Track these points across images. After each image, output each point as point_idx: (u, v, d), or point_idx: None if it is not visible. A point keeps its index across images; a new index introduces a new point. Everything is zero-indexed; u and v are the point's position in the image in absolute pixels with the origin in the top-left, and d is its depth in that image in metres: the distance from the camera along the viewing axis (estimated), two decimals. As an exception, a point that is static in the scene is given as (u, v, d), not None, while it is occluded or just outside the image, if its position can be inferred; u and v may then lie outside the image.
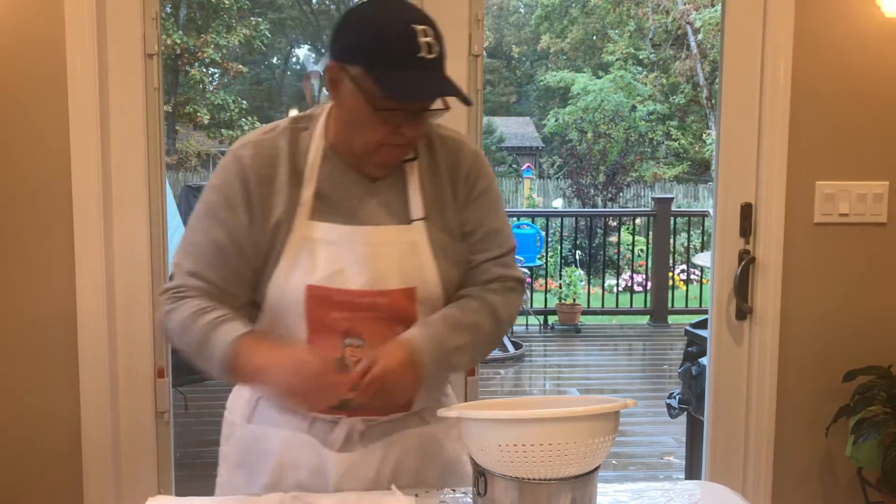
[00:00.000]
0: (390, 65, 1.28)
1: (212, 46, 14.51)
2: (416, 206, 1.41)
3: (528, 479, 1.20)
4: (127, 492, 2.43)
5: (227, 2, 14.61)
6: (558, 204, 13.42)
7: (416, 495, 1.40)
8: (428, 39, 1.28)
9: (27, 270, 2.36)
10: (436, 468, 1.50)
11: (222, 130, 15.40)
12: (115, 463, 2.42)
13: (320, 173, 1.39)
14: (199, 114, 14.89)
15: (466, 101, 1.31)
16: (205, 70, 15.14)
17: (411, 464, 1.46)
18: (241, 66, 16.48)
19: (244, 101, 16.19)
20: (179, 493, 2.46)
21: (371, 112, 1.31)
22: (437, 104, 1.35)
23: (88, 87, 2.30)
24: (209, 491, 1.55)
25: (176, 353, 2.65)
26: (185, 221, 7.28)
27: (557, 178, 15.99)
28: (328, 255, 1.36)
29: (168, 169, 2.40)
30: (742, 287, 2.49)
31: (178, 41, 13.71)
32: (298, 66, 21.78)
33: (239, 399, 1.54)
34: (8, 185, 2.34)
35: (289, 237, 1.37)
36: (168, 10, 13.83)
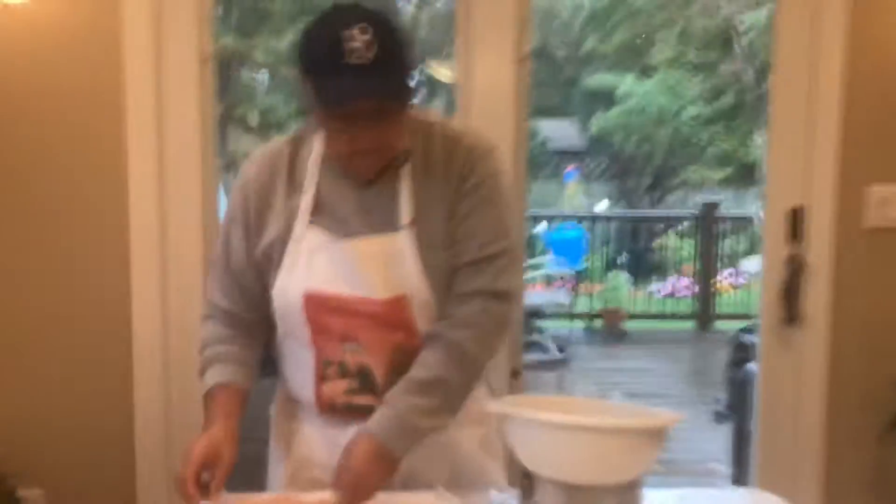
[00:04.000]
0: (318, 73, 1.29)
1: (262, 49, 14.68)
2: (406, 211, 1.40)
3: (575, 483, 1.20)
4: (178, 486, 2.48)
5: (276, 5, 14.79)
6: (603, 207, 13.31)
7: (462, 496, 1.41)
8: (356, 44, 1.24)
9: (84, 270, 2.43)
10: (448, 469, 1.50)
11: (272, 132, 15.57)
12: (167, 457, 2.47)
13: (319, 180, 1.42)
14: (249, 116, 15.08)
15: (402, 102, 1.31)
16: (255, 73, 15.33)
17: (424, 464, 1.46)
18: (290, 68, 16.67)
19: (293, 104, 16.35)
20: (228, 489, 2.50)
21: (323, 120, 1.34)
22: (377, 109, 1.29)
23: (145, 90, 2.36)
24: (257, 486, 1.59)
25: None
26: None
27: (602, 181, 15.86)
28: (323, 262, 1.39)
29: (220, 171, 2.45)
30: (791, 292, 2.46)
31: (230, 44, 13.91)
32: (344, 70, 21.94)
33: (279, 397, 1.62)
34: (66, 185, 2.40)
35: (287, 245, 1.41)
36: (220, 13, 14.03)
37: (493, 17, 2.39)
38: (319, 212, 1.41)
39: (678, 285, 9.35)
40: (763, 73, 14.90)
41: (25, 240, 2.41)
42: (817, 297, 2.46)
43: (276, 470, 1.59)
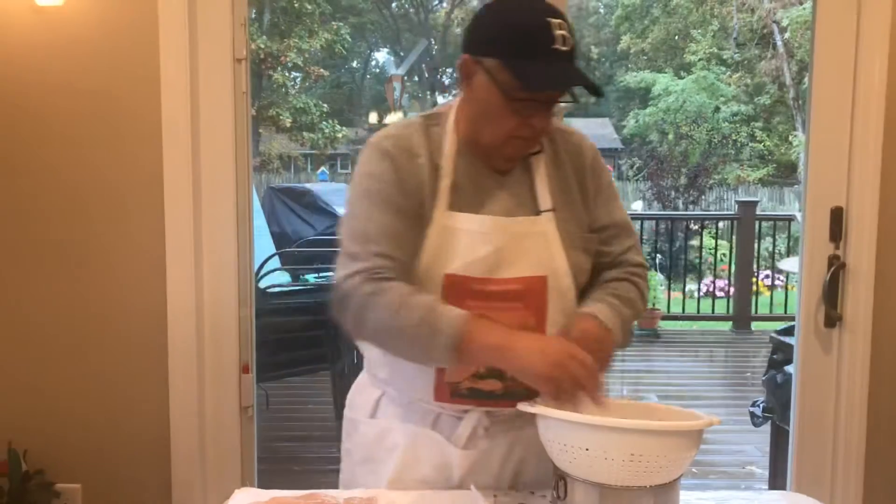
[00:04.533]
0: (527, 56, 1.31)
1: (294, 51, 14.82)
2: (544, 198, 1.45)
3: (609, 485, 1.19)
4: (212, 483, 2.51)
5: (309, 7, 14.91)
6: (638, 206, 13.20)
7: (496, 496, 1.41)
8: (562, 32, 1.32)
9: (121, 269, 2.46)
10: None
11: (304, 133, 15.70)
12: (201, 455, 2.50)
13: (455, 166, 1.43)
14: (281, 117, 15.22)
15: (597, 92, 1.35)
16: (287, 74, 15.47)
17: (534, 462, 1.46)
18: (322, 70, 16.78)
19: (325, 105, 16.47)
20: (261, 487, 2.52)
21: (503, 104, 1.35)
22: (566, 97, 1.39)
23: (180, 91, 2.38)
24: (289, 485, 1.59)
25: (261, 349, 2.73)
26: (269, 222, 7.40)
27: (637, 181, 15.74)
28: (466, 245, 1.39)
29: (252, 171, 2.47)
30: (831, 294, 2.41)
31: (262, 46, 14.05)
32: (378, 70, 22.05)
33: (360, 396, 1.58)
34: (101, 186, 2.44)
35: (430, 226, 1.40)
36: (253, 15, 14.19)
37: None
38: (459, 196, 1.42)
39: (716, 286, 9.25)
40: (804, 70, 14.68)
41: (63, 241, 2.45)
42: (857, 298, 2.41)
43: (356, 471, 1.56)
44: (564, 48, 1.32)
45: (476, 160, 1.44)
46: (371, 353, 1.54)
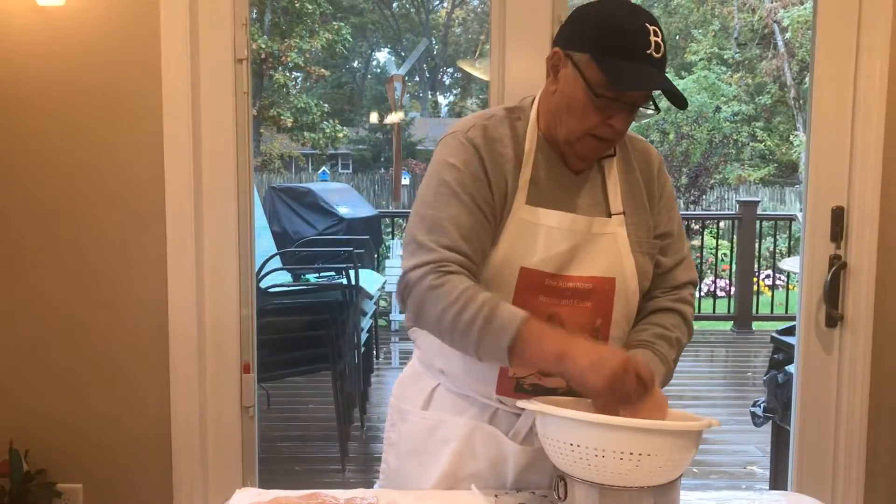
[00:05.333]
0: (619, 55, 1.33)
1: (295, 51, 14.82)
2: (616, 201, 1.46)
3: (609, 484, 1.19)
4: (213, 483, 2.51)
5: (310, 7, 14.91)
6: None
7: (496, 496, 1.41)
8: (657, 39, 1.34)
9: (122, 268, 2.46)
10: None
11: (305, 133, 15.71)
12: (203, 455, 2.50)
13: (535, 161, 1.43)
14: (282, 117, 15.23)
15: (682, 104, 1.35)
16: (288, 74, 15.48)
17: (534, 473, 1.45)
18: (323, 69, 16.80)
19: (326, 105, 16.48)
20: (262, 486, 2.52)
21: (587, 99, 1.36)
22: (649, 104, 1.40)
23: (181, 91, 2.38)
24: (290, 484, 1.59)
25: (262, 349, 2.73)
26: (270, 222, 7.39)
27: (638, 181, 15.72)
28: (546, 240, 1.40)
29: (253, 171, 2.48)
30: (832, 293, 2.41)
31: (263, 46, 14.06)
32: (379, 70, 22.06)
33: (412, 386, 1.57)
34: (103, 184, 2.44)
35: (508, 218, 1.40)
36: (254, 15, 14.19)
37: (528, 15, 2.38)
38: (537, 190, 1.42)
39: (717, 285, 9.25)
40: (805, 69, 14.67)
41: (64, 241, 2.46)
42: (858, 298, 2.41)
43: (403, 462, 1.54)
44: (657, 55, 1.33)
45: (554, 157, 1.45)
46: (428, 343, 1.50)
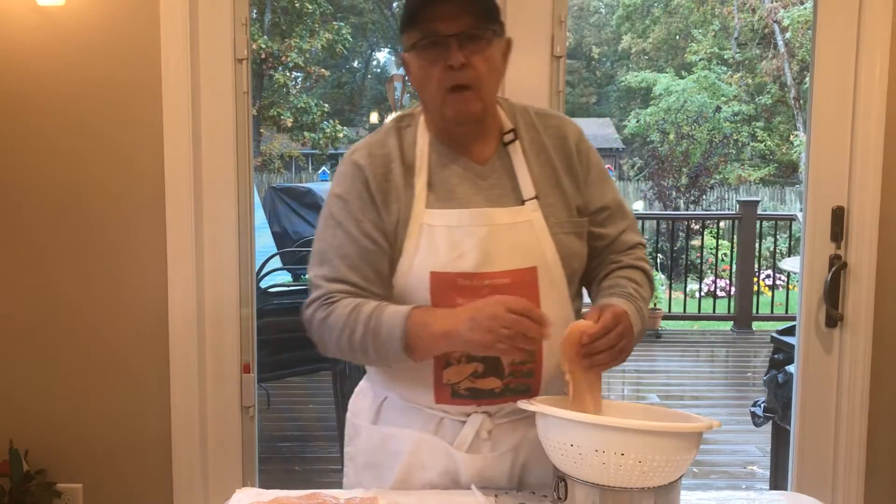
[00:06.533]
0: (410, 5, 1.37)
1: (295, 51, 14.81)
2: (527, 186, 1.43)
3: (609, 485, 1.19)
4: (213, 483, 2.51)
5: (310, 7, 14.90)
6: (639, 206, 13.19)
7: (496, 496, 1.41)
8: None
9: (122, 268, 2.46)
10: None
11: (305, 133, 15.69)
12: (203, 455, 2.50)
13: (430, 164, 1.43)
14: (282, 117, 15.21)
15: (483, 20, 1.35)
16: (288, 74, 15.46)
17: (540, 465, 1.45)
18: (323, 69, 16.78)
19: (326, 105, 16.46)
20: (262, 486, 2.52)
21: (418, 61, 1.38)
22: (466, 31, 1.36)
23: (181, 91, 2.38)
24: (291, 484, 1.59)
25: (262, 349, 2.73)
26: (270, 222, 7.38)
27: (638, 181, 15.73)
28: (448, 241, 1.38)
29: (253, 171, 2.47)
30: (832, 293, 2.41)
31: (263, 46, 14.05)
32: (379, 70, 22.06)
33: (362, 401, 1.57)
34: (103, 184, 2.44)
35: (409, 227, 1.40)
36: (254, 15, 14.18)
37: (527, 15, 2.38)
38: (437, 193, 1.42)
39: (717, 286, 9.25)
40: (805, 69, 14.66)
41: (64, 241, 2.46)
42: (858, 298, 2.41)
43: (360, 476, 1.55)
44: None
45: (453, 154, 1.44)
46: None
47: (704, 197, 13.20)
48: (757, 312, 7.93)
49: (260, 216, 5.37)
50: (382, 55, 22.35)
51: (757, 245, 8.11)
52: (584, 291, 1.56)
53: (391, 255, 1.41)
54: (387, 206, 1.41)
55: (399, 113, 1.52)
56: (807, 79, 12.92)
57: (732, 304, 8.03)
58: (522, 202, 1.42)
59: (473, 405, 1.43)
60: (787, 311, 7.99)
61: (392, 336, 1.32)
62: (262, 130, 15.60)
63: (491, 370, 1.39)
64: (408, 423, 1.47)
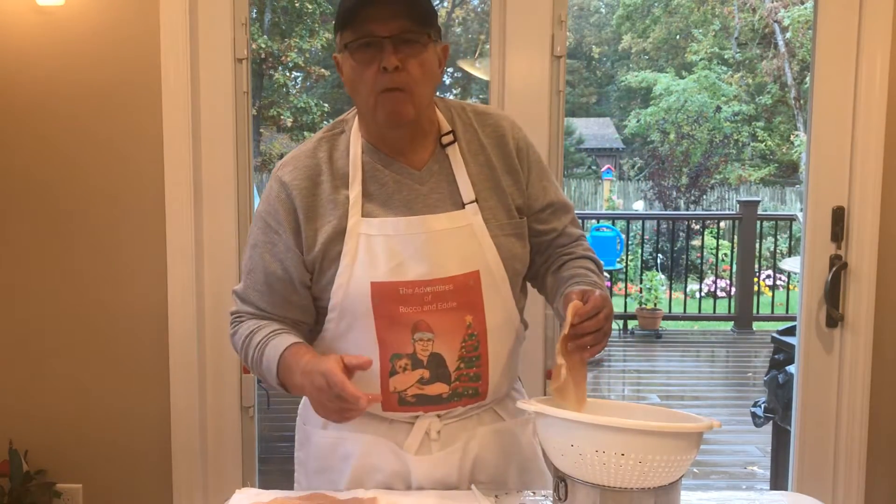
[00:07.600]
0: (344, 5, 1.34)
1: (295, 50, 14.81)
2: (466, 190, 1.41)
3: (609, 486, 1.19)
4: (213, 483, 2.51)
5: (310, 7, 14.90)
6: (639, 206, 13.20)
7: (496, 496, 1.40)
8: None
9: (122, 268, 2.46)
10: (514, 465, 1.50)
11: (305, 133, 15.69)
12: (202, 455, 2.50)
13: (364, 171, 1.40)
14: (282, 117, 15.21)
15: (416, 21, 1.31)
16: (288, 74, 15.46)
17: (490, 461, 1.47)
18: (323, 69, 16.78)
19: (326, 105, 16.47)
20: (262, 487, 2.52)
21: (351, 63, 1.35)
22: (400, 33, 1.32)
23: (181, 91, 2.38)
24: (291, 485, 1.59)
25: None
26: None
27: (638, 180, 15.73)
28: (387, 250, 1.36)
29: (253, 171, 2.48)
30: (833, 294, 2.41)
31: (263, 46, 14.05)
32: (379, 69, 22.03)
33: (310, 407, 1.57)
34: (103, 184, 2.44)
35: (345, 238, 1.38)
36: (254, 15, 14.18)
37: (528, 15, 2.38)
38: (372, 202, 1.39)
39: (717, 286, 9.25)
40: (805, 69, 14.66)
41: (63, 241, 2.46)
42: (859, 298, 2.41)
43: (312, 481, 1.55)
44: None
45: (388, 159, 1.41)
46: None
47: (705, 197, 13.20)
48: (757, 313, 7.94)
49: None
50: (382, 55, 22.31)
51: (757, 245, 8.12)
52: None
53: (307, 283, 1.41)
54: (312, 221, 1.39)
55: (339, 118, 1.48)
56: (807, 79, 12.93)
57: (733, 304, 8.03)
58: (462, 206, 1.40)
59: (421, 411, 1.42)
60: (787, 312, 8.00)
61: (270, 371, 1.38)
62: (262, 130, 15.60)
63: (437, 376, 1.39)
64: (357, 427, 1.45)
